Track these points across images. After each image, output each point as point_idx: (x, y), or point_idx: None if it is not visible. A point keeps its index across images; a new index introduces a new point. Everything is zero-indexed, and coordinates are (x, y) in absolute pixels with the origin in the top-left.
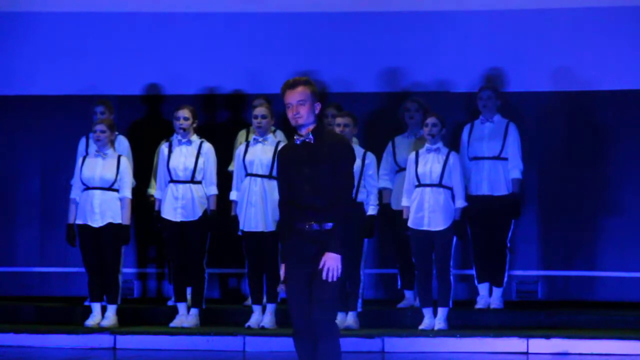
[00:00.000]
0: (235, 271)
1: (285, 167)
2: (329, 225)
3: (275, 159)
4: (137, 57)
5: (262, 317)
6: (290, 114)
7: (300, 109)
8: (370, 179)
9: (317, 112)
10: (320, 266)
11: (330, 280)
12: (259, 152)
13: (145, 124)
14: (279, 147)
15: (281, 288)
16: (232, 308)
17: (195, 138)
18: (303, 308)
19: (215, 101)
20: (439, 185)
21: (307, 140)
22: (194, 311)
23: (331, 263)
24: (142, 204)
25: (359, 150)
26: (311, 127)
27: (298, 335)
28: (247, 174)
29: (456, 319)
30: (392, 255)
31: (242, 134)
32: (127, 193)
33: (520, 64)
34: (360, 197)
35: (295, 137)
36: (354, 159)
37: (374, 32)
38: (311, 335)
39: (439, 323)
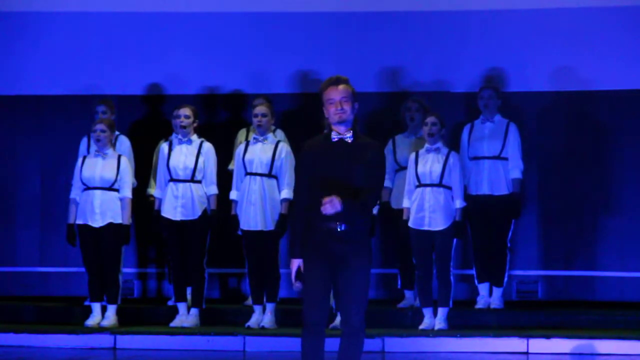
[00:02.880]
0: (235, 271)
1: (313, 163)
2: (359, 227)
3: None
4: (137, 57)
5: (262, 317)
6: (333, 109)
7: (345, 104)
8: None
9: (355, 112)
10: (327, 199)
11: (322, 210)
12: (258, 151)
13: (145, 124)
14: (304, 143)
15: (297, 286)
16: (232, 308)
17: (195, 137)
18: (320, 303)
19: (215, 101)
20: (439, 185)
21: (346, 139)
22: (194, 311)
23: (333, 202)
24: (142, 204)
25: None
26: (350, 126)
27: (309, 329)
28: (247, 173)
29: (456, 319)
30: (392, 255)
31: (242, 133)
32: (128, 193)
33: (520, 64)
34: None
35: (332, 134)
36: (385, 164)
37: (374, 32)
38: (322, 331)
39: (439, 323)
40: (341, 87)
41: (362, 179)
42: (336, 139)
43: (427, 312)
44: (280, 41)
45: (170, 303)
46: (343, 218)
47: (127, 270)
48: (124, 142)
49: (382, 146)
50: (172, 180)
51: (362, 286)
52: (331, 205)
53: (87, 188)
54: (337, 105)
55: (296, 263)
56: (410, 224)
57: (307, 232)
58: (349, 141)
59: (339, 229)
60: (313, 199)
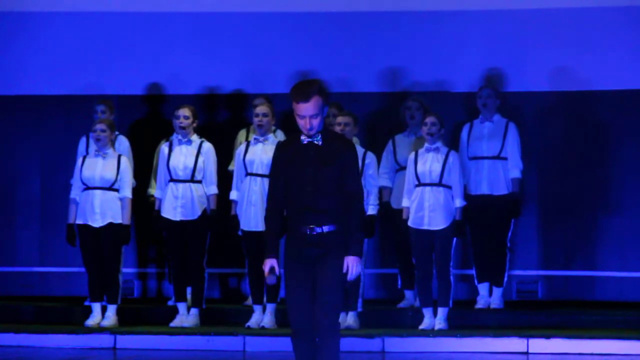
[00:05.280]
0: (235, 271)
1: (286, 165)
2: (331, 227)
3: (273, 156)
4: (137, 57)
5: (262, 317)
6: (302, 123)
7: (313, 121)
8: (370, 178)
9: (325, 115)
10: (345, 270)
11: (349, 278)
12: (259, 152)
13: (145, 124)
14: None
15: (270, 279)
16: (232, 308)
17: (195, 137)
18: (304, 309)
19: (215, 101)
20: (439, 184)
21: (315, 141)
22: (194, 311)
23: (353, 265)
24: (142, 204)
25: (359, 150)
26: (320, 129)
27: (297, 336)
28: (247, 174)
29: (456, 319)
30: (392, 255)
31: (242, 134)
32: (128, 193)
33: (519, 64)
34: None
35: (301, 137)
36: (358, 162)
37: (374, 32)
38: (310, 336)
39: (439, 323)
40: (311, 102)
41: (334, 181)
42: (306, 142)
43: (427, 312)
44: (280, 41)
45: (170, 303)
46: (312, 221)
47: (127, 270)
48: (123, 142)
49: (353, 145)
50: (172, 180)
51: (334, 288)
52: (355, 270)
53: (87, 188)
54: (306, 123)
55: (269, 263)
56: (409, 224)
57: (285, 234)
58: (319, 144)
59: (308, 231)
60: (287, 203)
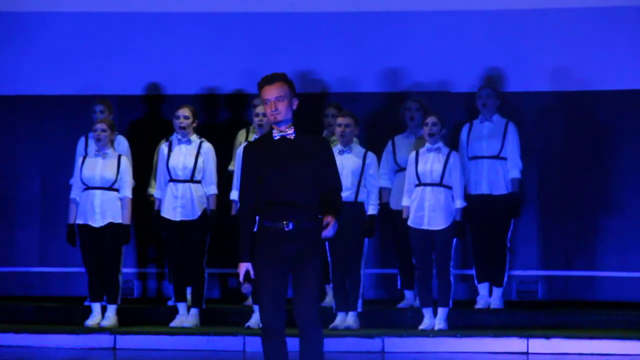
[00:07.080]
0: (235, 271)
1: (259, 163)
2: (308, 223)
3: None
4: (137, 57)
5: None
6: (269, 110)
7: (279, 105)
8: (371, 178)
9: (294, 108)
10: (325, 223)
11: (324, 235)
12: None
13: (145, 124)
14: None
15: (245, 288)
16: (232, 308)
17: (195, 137)
18: (278, 308)
19: (215, 101)
20: (440, 184)
21: (288, 136)
22: (194, 311)
23: (334, 222)
24: (142, 204)
25: (359, 150)
26: (290, 123)
27: (270, 336)
28: None
29: (456, 319)
30: (392, 255)
31: (242, 134)
32: (128, 193)
33: (519, 64)
34: (361, 196)
35: (273, 132)
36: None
37: (374, 32)
38: (282, 336)
39: (439, 323)
40: (275, 85)
41: (310, 175)
42: (278, 137)
43: (427, 312)
44: (280, 41)
45: (170, 303)
46: (290, 217)
47: (127, 270)
48: (122, 143)
49: (328, 141)
50: (171, 180)
51: (314, 283)
52: (333, 227)
53: (87, 188)
54: (271, 106)
55: (244, 267)
56: (409, 223)
57: (256, 234)
58: (292, 138)
59: (285, 229)
60: (261, 200)
